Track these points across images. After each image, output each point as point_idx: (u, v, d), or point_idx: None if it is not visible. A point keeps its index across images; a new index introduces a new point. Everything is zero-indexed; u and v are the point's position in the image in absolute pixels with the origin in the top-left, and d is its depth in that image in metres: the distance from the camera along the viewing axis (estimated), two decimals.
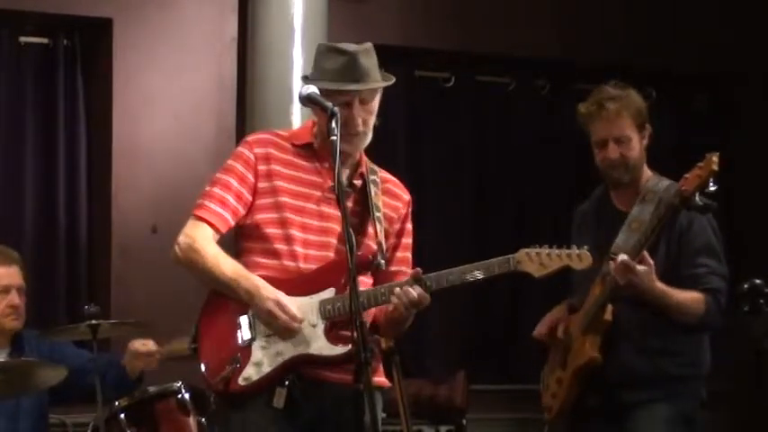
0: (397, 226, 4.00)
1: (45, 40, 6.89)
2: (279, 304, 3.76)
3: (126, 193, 6.84)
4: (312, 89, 3.75)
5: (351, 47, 3.85)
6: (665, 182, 4.45)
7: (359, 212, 3.93)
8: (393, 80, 3.92)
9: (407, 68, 7.65)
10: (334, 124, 3.60)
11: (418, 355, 7.32)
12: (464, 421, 6.82)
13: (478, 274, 3.80)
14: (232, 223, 3.89)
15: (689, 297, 4.37)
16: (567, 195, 7.10)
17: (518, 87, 7.94)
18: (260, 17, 6.66)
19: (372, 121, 3.88)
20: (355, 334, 3.47)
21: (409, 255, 4.04)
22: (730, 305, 4.45)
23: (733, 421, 7.08)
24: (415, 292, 3.76)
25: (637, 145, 4.49)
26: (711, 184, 4.17)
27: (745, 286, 4.39)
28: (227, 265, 3.83)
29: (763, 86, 8.01)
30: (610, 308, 4.39)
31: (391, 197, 4.02)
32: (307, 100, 3.75)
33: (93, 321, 5.18)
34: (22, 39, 6.85)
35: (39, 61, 6.89)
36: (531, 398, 4.83)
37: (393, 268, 3.97)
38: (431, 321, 7.16)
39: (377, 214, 3.92)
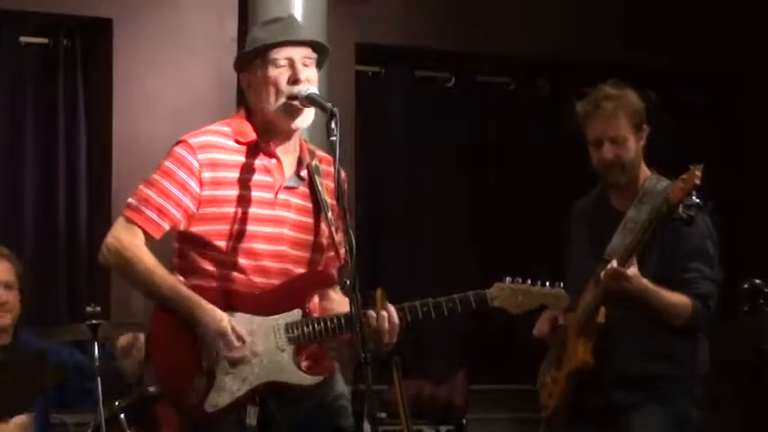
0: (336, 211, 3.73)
1: (45, 40, 6.89)
2: (223, 337, 3.58)
3: (126, 192, 6.74)
4: (312, 89, 3.66)
5: (282, 14, 3.78)
6: (664, 182, 4.41)
7: (311, 210, 3.76)
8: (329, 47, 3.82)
9: (407, 68, 7.66)
10: (333, 125, 3.47)
11: (418, 355, 7.31)
12: (464, 421, 6.81)
13: (455, 309, 3.77)
14: (167, 229, 3.70)
15: (676, 300, 4.35)
16: (566, 196, 7.08)
17: (518, 87, 7.94)
18: (260, 17, 6.64)
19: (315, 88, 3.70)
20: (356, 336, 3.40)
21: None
22: (730, 305, 4.44)
23: (732, 422, 7.07)
24: (386, 322, 3.68)
25: (633, 146, 4.45)
26: (694, 197, 4.14)
27: (745, 286, 4.38)
28: (163, 282, 3.64)
29: (762, 86, 8.01)
30: (603, 310, 4.37)
31: (331, 179, 3.78)
32: (306, 100, 3.66)
33: (93, 321, 5.18)
34: (23, 39, 6.85)
35: (39, 61, 6.89)
36: (531, 398, 4.83)
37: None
38: (431, 322, 7.14)
39: (328, 213, 3.74)
